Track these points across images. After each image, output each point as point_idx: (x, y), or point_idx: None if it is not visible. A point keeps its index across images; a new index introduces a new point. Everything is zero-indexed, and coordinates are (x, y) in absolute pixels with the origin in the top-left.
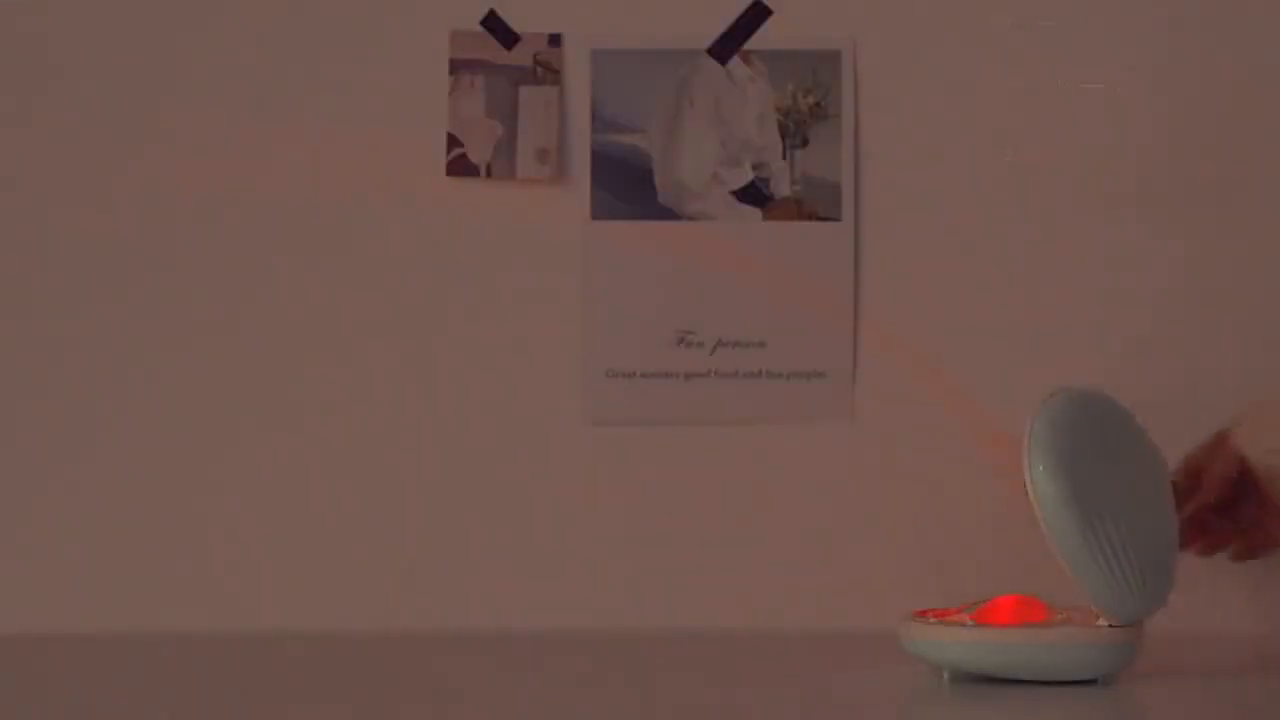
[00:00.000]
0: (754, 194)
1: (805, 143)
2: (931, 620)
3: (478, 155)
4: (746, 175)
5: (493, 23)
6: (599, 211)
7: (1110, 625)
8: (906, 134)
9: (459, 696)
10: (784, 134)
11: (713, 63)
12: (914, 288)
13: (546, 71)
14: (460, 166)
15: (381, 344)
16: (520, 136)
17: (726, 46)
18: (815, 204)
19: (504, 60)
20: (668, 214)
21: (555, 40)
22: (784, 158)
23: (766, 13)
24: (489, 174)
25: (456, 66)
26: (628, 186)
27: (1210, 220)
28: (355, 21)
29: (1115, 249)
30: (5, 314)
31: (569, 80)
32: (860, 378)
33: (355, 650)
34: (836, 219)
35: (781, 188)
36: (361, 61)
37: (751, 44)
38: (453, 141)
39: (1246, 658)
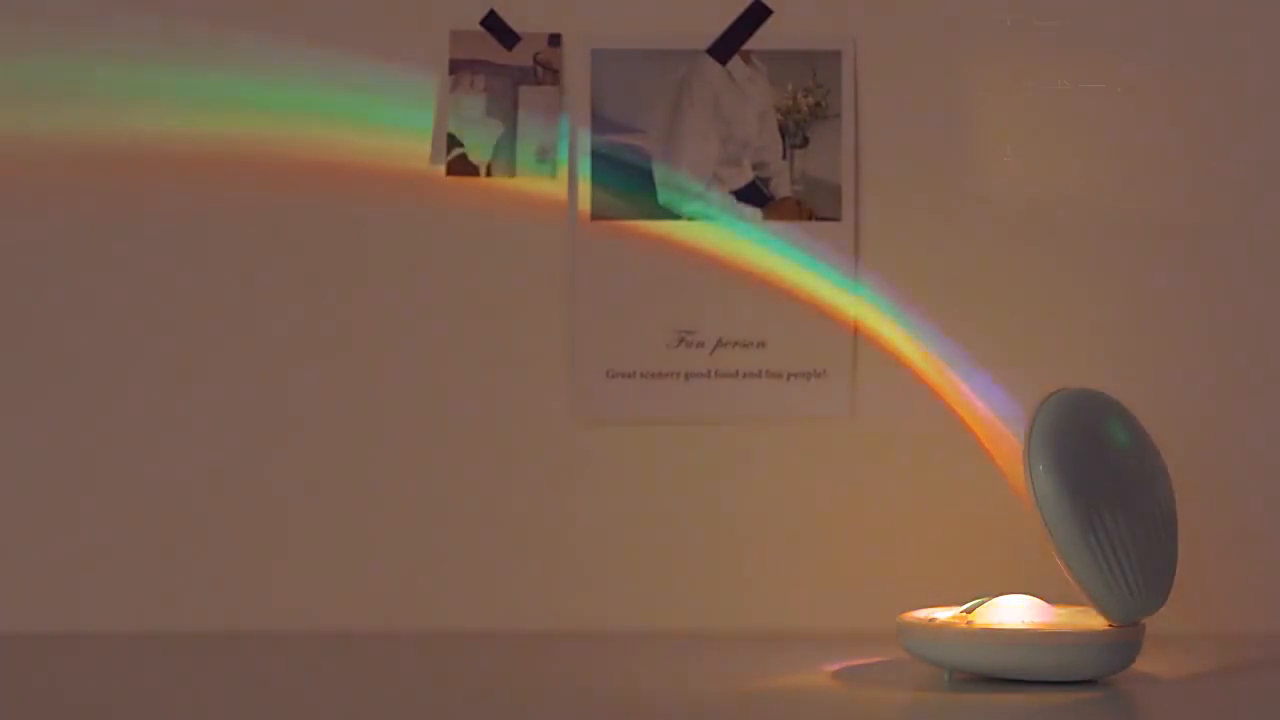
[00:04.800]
0: (754, 194)
1: (805, 143)
2: (931, 620)
3: (478, 155)
4: (746, 175)
5: (493, 23)
6: (599, 211)
7: (1110, 625)
8: (906, 134)
9: (459, 696)
10: (784, 134)
11: (713, 63)
12: (914, 288)
13: (546, 71)
14: (460, 166)
15: (381, 344)
16: (520, 136)
17: (726, 46)
18: (815, 204)
19: (504, 60)
20: (668, 214)
21: (555, 40)
22: (784, 158)
23: (766, 13)
24: (489, 174)
25: (456, 66)
26: (628, 186)
27: (1211, 219)
28: (355, 21)
29: (1116, 248)
30: (5, 313)
31: (569, 80)
32: (860, 377)
33: (356, 650)
34: (836, 219)
35: (781, 188)
36: (361, 61)
37: (751, 44)
38: (453, 141)
39: (1246, 658)
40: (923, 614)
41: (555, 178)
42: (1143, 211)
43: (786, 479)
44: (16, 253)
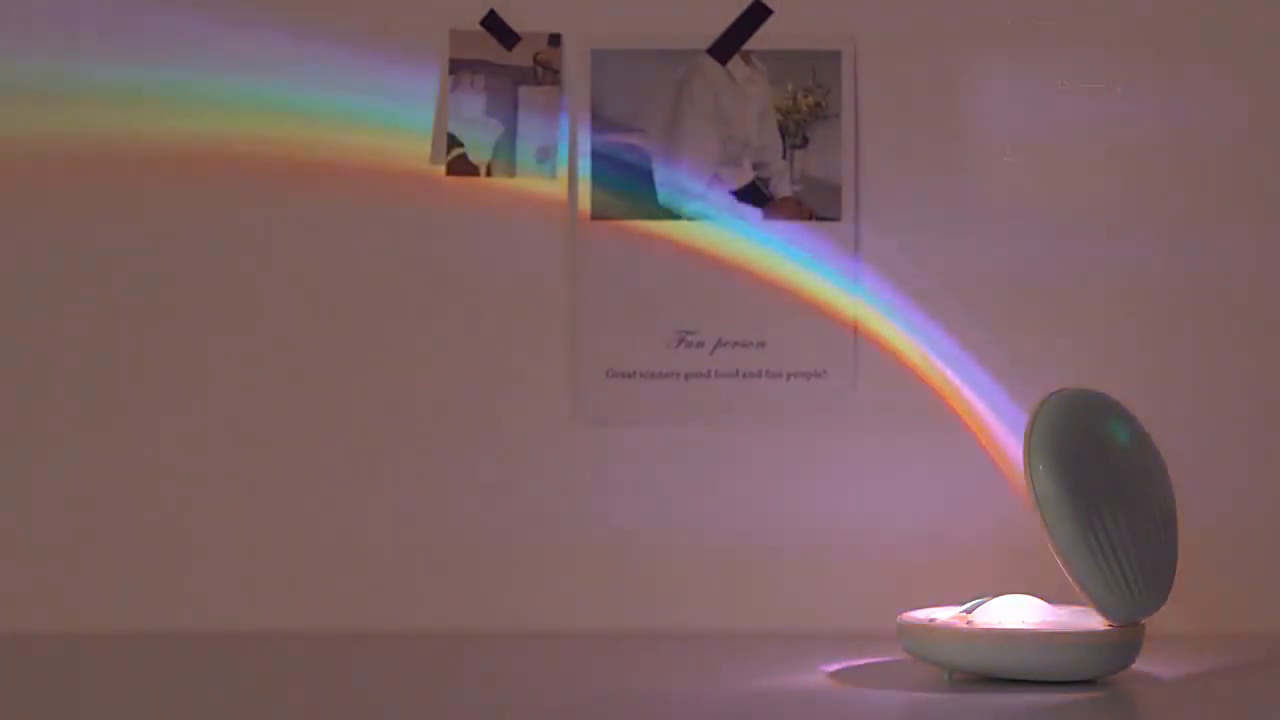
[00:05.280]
0: (754, 194)
1: (805, 143)
2: (931, 620)
3: (478, 155)
4: (746, 175)
5: (493, 23)
6: (599, 211)
7: (1110, 625)
8: (906, 134)
9: (459, 696)
10: (784, 134)
11: (713, 63)
12: (914, 288)
13: (546, 71)
14: (460, 166)
15: (381, 344)
16: (520, 136)
17: (726, 46)
18: (815, 204)
19: (504, 60)
20: (668, 214)
21: (555, 40)
22: (784, 158)
23: (766, 13)
24: (489, 174)
25: (456, 66)
26: (628, 186)
27: (1211, 219)
28: (355, 21)
29: (1116, 248)
30: (4, 313)
31: (569, 80)
32: (860, 378)
33: (356, 650)
34: (836, 219)
35: (781, 188)
36: (361, 61)
37: (751, 44)
38: (453, 141)
39: (1246, 658)
40: (923, 614)
41: (555, 178)
42: (1142, 211)
43: (786, 478)
44: (16, 253)
